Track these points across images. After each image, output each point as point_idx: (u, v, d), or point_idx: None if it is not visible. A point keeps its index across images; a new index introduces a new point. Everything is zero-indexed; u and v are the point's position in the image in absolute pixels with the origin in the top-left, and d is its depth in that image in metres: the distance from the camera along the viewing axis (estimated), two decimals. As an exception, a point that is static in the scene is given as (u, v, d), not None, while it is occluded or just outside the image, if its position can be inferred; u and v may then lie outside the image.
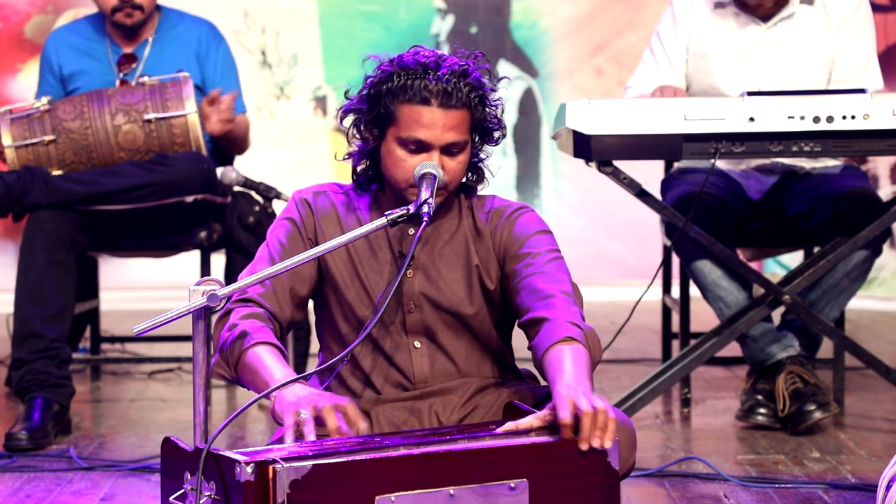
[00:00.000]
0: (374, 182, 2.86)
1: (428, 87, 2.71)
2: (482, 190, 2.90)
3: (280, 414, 2.56)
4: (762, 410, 4.14)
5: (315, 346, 2.89)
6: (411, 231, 2.80)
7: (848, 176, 4.28)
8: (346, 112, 2.84)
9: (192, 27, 4.73)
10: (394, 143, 2.75)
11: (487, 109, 2.79)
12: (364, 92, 2.79)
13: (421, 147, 2.73)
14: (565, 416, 2.42)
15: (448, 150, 2.74)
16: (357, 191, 2.88)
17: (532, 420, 2.49)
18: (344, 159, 2.88)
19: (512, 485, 2.40)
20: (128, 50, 4.66)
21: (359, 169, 2.86)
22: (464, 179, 2.85)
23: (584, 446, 2.42)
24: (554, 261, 2.77)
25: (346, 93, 2.85)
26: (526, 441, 2.44)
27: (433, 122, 2.72)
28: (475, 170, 2.85)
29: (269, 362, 2.65)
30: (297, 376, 2.60)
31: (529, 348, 2.67)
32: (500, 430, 2.49)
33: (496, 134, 2.83)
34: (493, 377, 2.85)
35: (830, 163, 4.34)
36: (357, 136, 2.83)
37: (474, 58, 2.78)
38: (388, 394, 2.81)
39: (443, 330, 2.81)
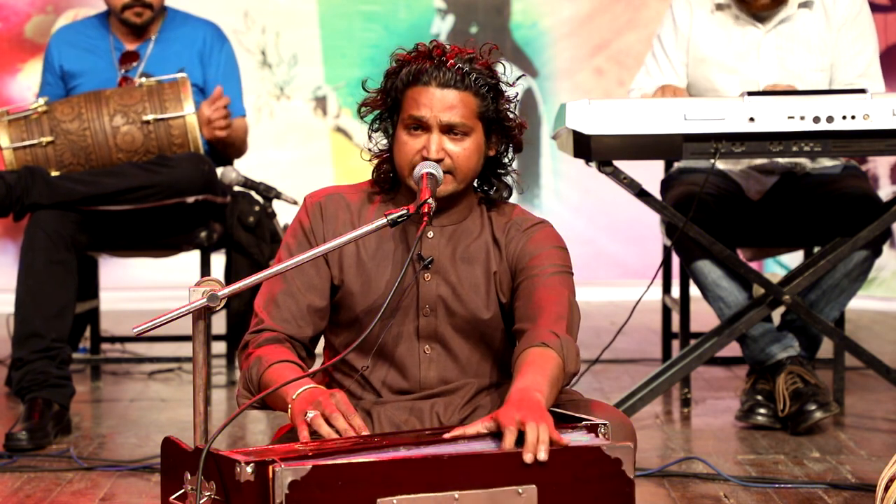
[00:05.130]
0: (390, 182, 2.84)
1: (428, 69, 2.73)
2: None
3: (292, 419, 2.57)
4: (762, 410, 4.14)
5: (319, 346, 2.88)
6: (430, 234, 2.80)
7: (848, 176, 4.28)
8: (365, 106, 2.83)
9: (197, 28, 4.74)
10: (400, 129, 2.76)
11: (500, 102, 2.78)
12: (380, 85, 2.80)
13: (420, 126, 2.73)
14: (510, 424, 2.39)
15: (449, 131, 2.74)
16: (374, 190, 2.86)
17: (479, 427, 2.45)
18: (370, 160, 2.86)
19: (520, 490, 2.38)
20: (130, 47, 4.67)
21: (380, 169, 2.84)
22: (488, 187, 2.84)
23: (527, 459, 2.37)
24: (558, 275, 2.76)
25: (364, 83, 2.85)
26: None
27: (431, 100, 2.72)
28: (500, 181, 2.85)
29: (285, 376, 2.64)
30: (295, 377, 2.60)
31: None
32: (447, 435, 2.46)
33: (513, 133, 2.83)
34: (494, 378, 2.85)
35: (830, 162, 4.34)
36: (378, 133, 2.82)
37: (489, 52, 2.79)
38: (388, 397, 2.80)
39: (455, 335, 2.79)
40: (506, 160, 2.87)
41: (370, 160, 2.86)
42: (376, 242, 2.80)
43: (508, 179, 2.88)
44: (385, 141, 2.83)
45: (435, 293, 2.78)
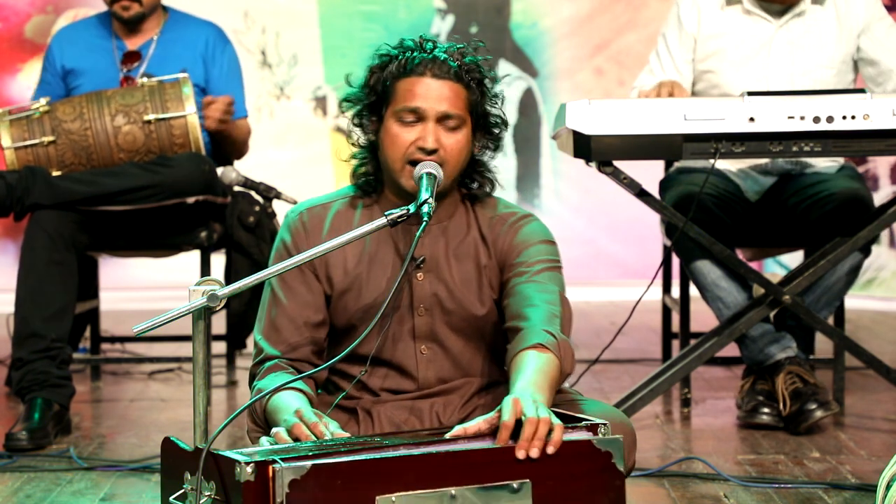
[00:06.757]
0: (375, 184, 2.84)
1: (423, 59, 2.74)
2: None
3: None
4: (766, 410, 4.14)
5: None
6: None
7: (841, 176, 4.28)
8: (348, 101, 2.83)
9: (200, 29, 4.74)
10: (391, 121, 2.75)
11: (487, 98, 2.79)
12: (364, 79, 2.80)
13: (416, 117, 2.73)
14: (506, 419, 2.40)
15: (444, 122, 2.74)
16: (358, 195, 2.86)
17: (480, 424, 2.46)
18: (347, 160, 2.87)
19: (515, 485, 2.39)
20: (132, 47, 4.67)
21: (361, 170, 2.84)
22: (471, 183, 2.84)
23: (519, 454, 2.39)
24: (547, 270, 2.76)
25: (347, 77, 2.85)
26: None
27: (427, 90, 2.73)
28: (481, 176, 2.85)
29: (281, 405, 2.67)
30: (290, 379, 2.62)
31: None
32: (448, 434, 2.47)
33: (496, 130, 2.83)
34: (492, 377, 2.85)
35: (828, 162, 4.34)
36: (359, 129, 2.82)
37: (475, 48, 2.80)
38: (387, 398, 2.80)
39: (450, 333, 2.79)
40: (486, 158, 2.86)
41: (347, 160, 2.86)
42: (361, 246, 2.79)
43: (489, 175, 2.87)
44: (363, 138, 2.83)
45: (429, 292, 2.78)
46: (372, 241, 2.79)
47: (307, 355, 2.80)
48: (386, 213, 2.67)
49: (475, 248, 2.81)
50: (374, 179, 2.84)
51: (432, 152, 2.72)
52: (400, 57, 2.76)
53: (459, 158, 2.77)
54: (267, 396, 2.69)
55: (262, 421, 2.72)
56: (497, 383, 2.84)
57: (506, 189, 7.19)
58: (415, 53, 2.75)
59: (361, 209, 2.83)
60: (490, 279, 2.80)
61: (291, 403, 2.64)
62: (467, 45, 2.80)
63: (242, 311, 4.75)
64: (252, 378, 2.82)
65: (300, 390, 2.72)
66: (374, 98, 2.78)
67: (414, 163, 2.73)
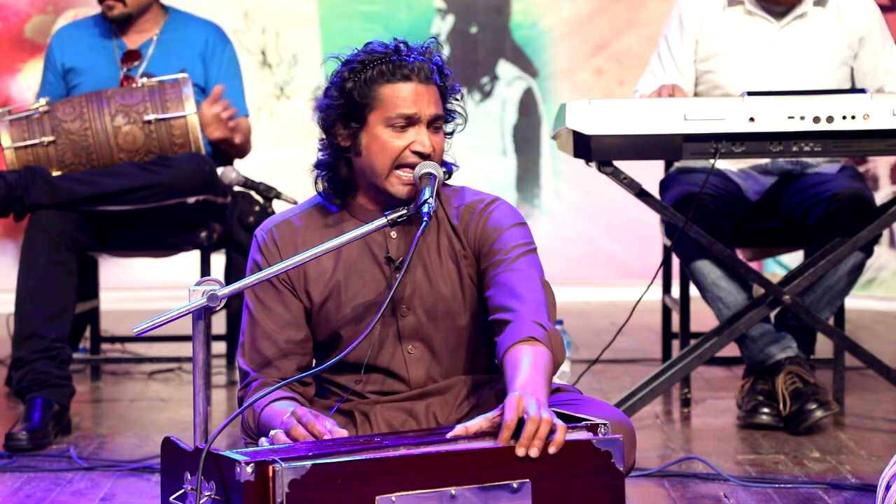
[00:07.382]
0: (348, 190, 2.83)
1: (406, 64, 2.73)
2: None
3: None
4: (766, 410, 4.14)
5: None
6: (394, 234, 2.79)
7: (842, 176, 4.28)
8: (320, 109, 2.81)
9: (200, 29, 4.74)
10: (379, 127, 2.74)
11: (451, 94, 2.80)
12: (337, 86, 2.77)
13: (409, 122, 2.73)
14: (509, 419, 2.40)
15: (433, 123, 2.74)
16: (325, 204, 2.85)
17: (481, 422, 2.46)
18: (310, 170, 2.85)
19: (514, 485, 2.40)
20: (132, 46, 4.68)
21: (330, 177, 2.82)
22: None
23: (519, 452, 2.39)
24: (525, 256, 2.75)
25: (318, 90, 2.84)
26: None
27: (418, 96, 2.73)
28: (443, 165, 2.85)
29: (274, 413, 2.67)
30: (280, 384, 2.63)
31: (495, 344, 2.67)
32: (449, 434, 2.46)
33: (450, 126, 2.83)
34: (479, 370, 2.84)
35: (829, 162, 4.34)
36: (330, 137, 2.80)
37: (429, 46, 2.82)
38: (381, 399, 2.80)
39: (436, 330, 2.79)
40: (447, 157, 2.87)
41: (310, 169, 2.84)
42: (336, 254, 2.78)
43: (451, 164, 2.87)
44: (327, 144, 2.81)
45: (411, 291, 2.78)
46: (346, 248, 2.78)
47: (292, 373, 2.79)
48: (386, 213, 2.67)
49: (448, 240, 2.80)
50: (347, 186, 2.82)
51: (427, 156, 2.73)
52: (377, 62, 2.74)
53: (442, 156, 2.79)
54: (261, 410, 2.69)
55: (257, 435, 2.71)
56: (488, 379, 2.83)
57: (505, 189, 7.20)
58: (394, 58, 2.74)
59: (331, 219, 2.81)
60: (468, 269, 2.80)
61: (286, 408, 2.64)
62: (432, 45, 2.81)
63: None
64: (241, 402, 2.81)
65: (292, 398, 2.72)
66: (352, 104, 2.76)
67: (401, 167, 2.74)
